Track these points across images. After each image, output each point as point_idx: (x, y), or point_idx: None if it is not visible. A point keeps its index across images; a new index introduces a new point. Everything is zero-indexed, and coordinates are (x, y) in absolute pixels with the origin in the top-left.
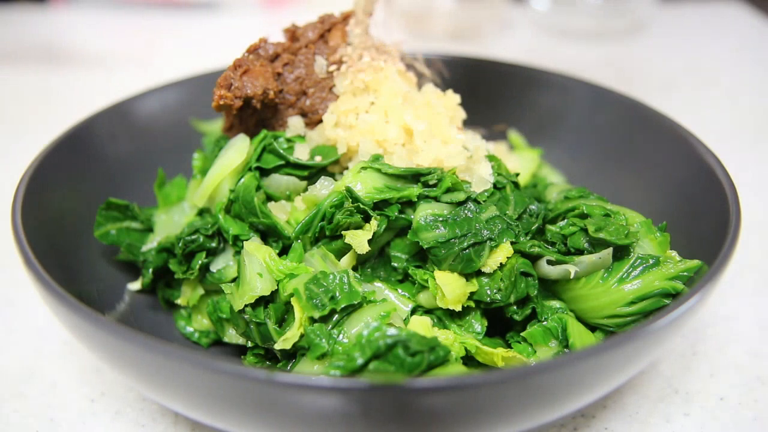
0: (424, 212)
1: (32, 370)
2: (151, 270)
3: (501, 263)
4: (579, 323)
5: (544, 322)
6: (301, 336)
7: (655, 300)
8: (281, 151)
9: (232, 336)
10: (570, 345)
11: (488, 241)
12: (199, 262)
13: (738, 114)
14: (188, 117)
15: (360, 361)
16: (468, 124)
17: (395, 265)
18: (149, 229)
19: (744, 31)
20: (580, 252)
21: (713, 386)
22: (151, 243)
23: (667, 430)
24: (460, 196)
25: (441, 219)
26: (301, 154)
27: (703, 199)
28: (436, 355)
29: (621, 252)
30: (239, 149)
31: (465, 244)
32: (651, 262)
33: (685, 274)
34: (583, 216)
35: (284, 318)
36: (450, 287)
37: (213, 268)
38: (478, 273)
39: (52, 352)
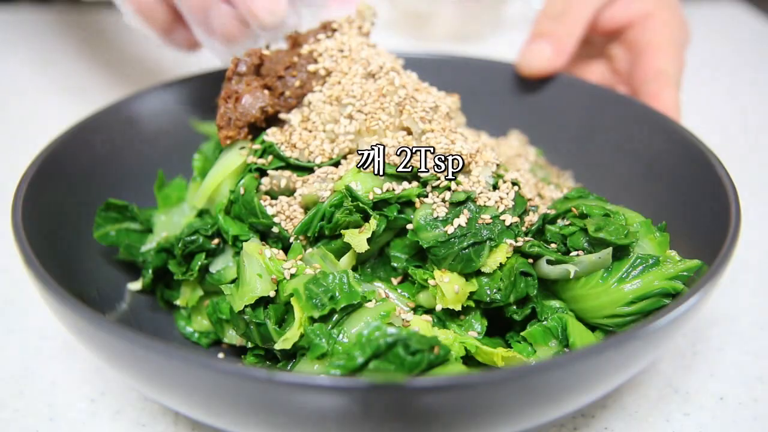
0: (423, 212)
1: (32, 370)
2: (151, 270)
3: (500, 263)
4: (579, 323)
5: (544, 322)
6: (301, 336)
7: (654, 300)
8: (281, 153)
9: (232, 337)
10: (570, 344)
11: (488, 241)
12: (199, 263)
13: (738, 114)
14: (188, 118)
15: (360, 360)
16: (469, 124)
17: (395, 265)
18: (149, 230)
19: (744, 31)
20: (579, 252)
21: (713, 386)
22: (150, 243)
23: (667, 430)
24: (460, 196)
25: (441, 219)
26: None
27: (703, 199)
28: (436, 354)
29: (620, 252)
30: (239, 151)
31: (465, 243)
32: (651, 261)
33: (685, 273)
34: (583, 216)
35: (284, 318)
36: (449, 287)
37: (212, 269)
38: (478, 273)
39: (52, 352)
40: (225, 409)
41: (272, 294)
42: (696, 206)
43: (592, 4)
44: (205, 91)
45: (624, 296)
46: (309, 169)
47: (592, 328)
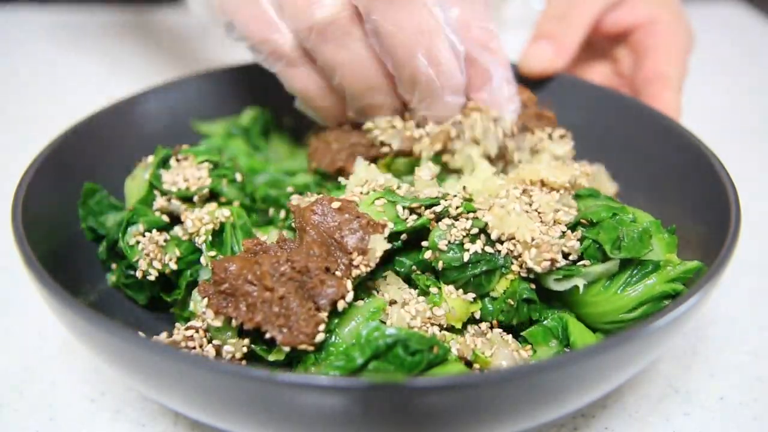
0: (439, 233)
1: (32, 370)
2: (105, 242)
3: (506, 288)
4: (579, 323)
5: (545, 322)
6: None
7: (656, 303)
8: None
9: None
10: (571, 344)
11: (501, 269)
12: (185, 282)
13: (738, 114)
14: (188, 117)
15: (360, 361)
16: None
17: (398, 268)
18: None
19: (744, 31)
20: (585, 261)
21: (713, 386)
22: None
23: (667, 430)
24: (479, 224)
25: (457, 243)
26: None
27: (703, 199)
28: (436, 354)
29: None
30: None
31: (478, 270)
32: (651, 268)
33: (684, 275)
34: (592, 224)
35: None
36: (456, 302)
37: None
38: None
39: (52, 352)
40: (225, 409)
41: None
42: (696, 206)
43: (595, 6)
44: (206, 91)
45: (626, 304)
46: None
47: (593, 329)
